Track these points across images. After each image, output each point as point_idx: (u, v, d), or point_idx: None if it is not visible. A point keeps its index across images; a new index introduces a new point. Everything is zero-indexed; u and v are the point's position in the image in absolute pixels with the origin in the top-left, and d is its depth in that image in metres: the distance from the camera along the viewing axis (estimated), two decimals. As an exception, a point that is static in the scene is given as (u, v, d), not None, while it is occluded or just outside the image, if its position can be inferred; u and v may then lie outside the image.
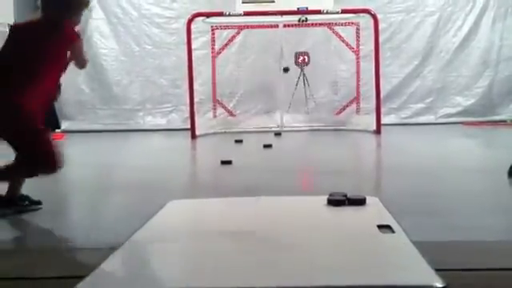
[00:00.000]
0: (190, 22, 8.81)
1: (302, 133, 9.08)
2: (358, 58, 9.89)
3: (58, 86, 3.55)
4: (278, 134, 8.97)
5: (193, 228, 2.85)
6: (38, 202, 3.55)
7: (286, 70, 7.00)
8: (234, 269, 2.17)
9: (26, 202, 3.50)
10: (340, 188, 3.46)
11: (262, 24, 9.69)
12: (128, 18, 10.53)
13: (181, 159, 6.68)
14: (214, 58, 9.89)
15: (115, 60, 10.48)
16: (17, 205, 3.46)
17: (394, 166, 5.36)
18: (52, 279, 2.27)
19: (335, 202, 3.14)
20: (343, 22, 9.72)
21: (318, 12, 8.89)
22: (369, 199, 3.44)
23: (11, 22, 9.66)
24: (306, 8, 9.05)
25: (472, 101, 10.62)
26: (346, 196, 3.22)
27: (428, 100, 10.70)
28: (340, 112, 10.19)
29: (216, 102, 9.99)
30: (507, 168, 4.39)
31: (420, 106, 10.70)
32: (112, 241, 2.69)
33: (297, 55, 10.02)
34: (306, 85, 10.04)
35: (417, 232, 2.57)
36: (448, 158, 6.11)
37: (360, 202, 3.17)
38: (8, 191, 3.46)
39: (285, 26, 9.42)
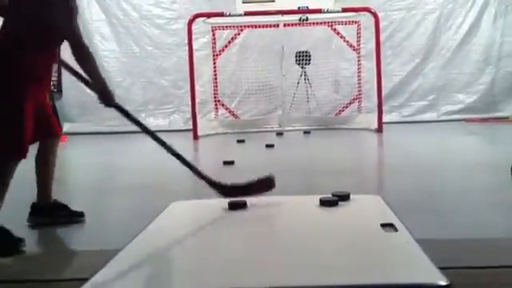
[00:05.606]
0: (190, 22, 8.83)
1: (303, 132, 9.06)
2: (359, 57, 9.87)
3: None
4: (279, 133, 8.97)
5: (196, 229, 2.85)
6: (80, 214, 3.22)
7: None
8: (238, 269, 2.16)
9: (65, 213, 3.18)
10: (342, 187, 3.45)
11: (262, 24, 9.69)
12: (128, 20, 10.54)
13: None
14: (214, 58, 9.89)
15: (116, 61, 10.48)
16: (53, 215, 3.15)
17: (397, 164, 5.35)
18: (55, 282, 2.27)
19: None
20: (344, 20, 9.71)
21: (319, 11, 8.91)
22: (371, 198, 3.44)
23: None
24: (307, 7, 9.07)
25: (474, 98, 10.61)
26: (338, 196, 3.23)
27: (430, 97, 10.69)
28: (341, 111, 10.19)
29: (217, 102, 9.99)
30: (510, 164, 4.37)
31: (422, 103, 10.70)
32: (115, 242, 2.69)
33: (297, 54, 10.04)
34: (308, 84, 10.04)
35: (420, 230, 2.57)
36: (451, 155, 6.10)
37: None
38: (38, 197, 3.16)
39: (285, 25, 9.41)
